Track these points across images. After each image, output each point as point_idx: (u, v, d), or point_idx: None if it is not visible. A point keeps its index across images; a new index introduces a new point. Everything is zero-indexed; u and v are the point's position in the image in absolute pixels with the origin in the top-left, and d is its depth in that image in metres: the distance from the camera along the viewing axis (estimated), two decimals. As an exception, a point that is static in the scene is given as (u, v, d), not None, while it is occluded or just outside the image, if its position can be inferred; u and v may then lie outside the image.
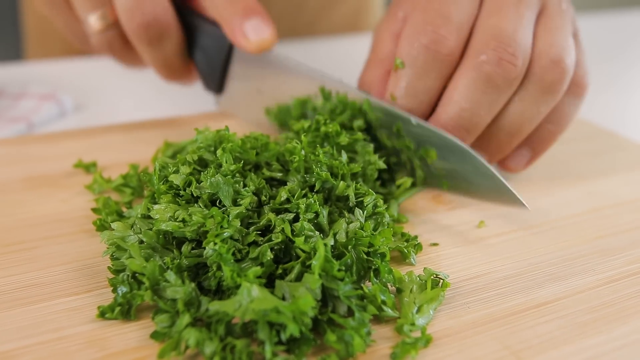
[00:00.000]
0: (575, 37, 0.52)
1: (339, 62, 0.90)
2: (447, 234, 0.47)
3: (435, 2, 0.48)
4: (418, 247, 0.44)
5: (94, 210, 0.47)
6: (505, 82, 0.46)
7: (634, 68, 0.97)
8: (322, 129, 0.45)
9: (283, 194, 0.42)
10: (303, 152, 0.44)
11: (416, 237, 0.45)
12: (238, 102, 0.60)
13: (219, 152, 0.43)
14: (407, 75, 0.48)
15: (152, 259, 0.38)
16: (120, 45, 0.59)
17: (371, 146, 0.47)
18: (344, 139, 0.45)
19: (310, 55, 0.92)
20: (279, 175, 0.45)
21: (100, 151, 0.59)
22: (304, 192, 0.43)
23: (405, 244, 0.44)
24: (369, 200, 0.43)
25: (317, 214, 0.41)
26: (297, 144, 0.44)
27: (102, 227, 0.44)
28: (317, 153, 0.43)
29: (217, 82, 0.59)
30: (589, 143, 0.64)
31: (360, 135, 0.47)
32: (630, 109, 0.81)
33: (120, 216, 0.46)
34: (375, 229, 0.43)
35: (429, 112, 0.50)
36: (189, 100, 0.76)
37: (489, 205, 0.51)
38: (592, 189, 0.55)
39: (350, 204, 0.43)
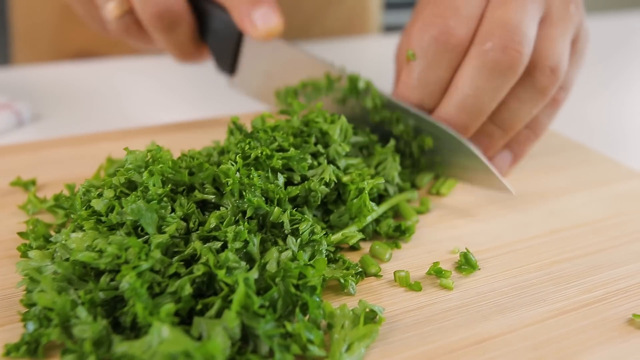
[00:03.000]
0: (574, 45, 0.53)
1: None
2: (395, 259, 0.45)
3: None
4: (359, 275, 0.42)
5: (21, 234, 0.44)
6: (510, 69, 0.47)
7: (626, 69, 0.94)
8: (252, 153, 0.43)
9: (212, 221, 0.39)
10: (238, 174, 0.41)
11: (357, 264, 0.42)
12: (250, 83, 0.62)
13: (145, 174, 0.40)
14: (419, 66, 0.50)
15: (64, 292, 0.36)
16: (136, 30, 0.61)
17: (306, 162, 0.45)
18: (277, 162, 0.43)
19: None
20: (211, 198, 0.42)
21: (44, 167, 0.56)
22: (236, 218, 0.40)
23: (345, 272, 0.41)
24: (304, 227, 0.40)
25: (246, 243, 0.38)
26: (233, 164, 0.42)
27: (26, 253, 0.41)
28: (251, 176, 0.41)
29: (229, 64, 0.61)
30: (556, 157, 0.61)
31: (294, 152, 0.44)
32: (625, 110, 0.78)
33: (47, 241, 0.43)
34: (312, 258, 0.40)
35: (440, 100, 0.51)
36: (155, 108, 0.74)
37: (445, 224, 0.49)
38: (554, 207, 0.52)
39: (286, 231, 0.40)
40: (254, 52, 0.60)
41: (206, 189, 0.43)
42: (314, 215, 0.45)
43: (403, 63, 0.53)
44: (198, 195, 0.42)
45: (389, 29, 1.17)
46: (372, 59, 0.99)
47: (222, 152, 0.46)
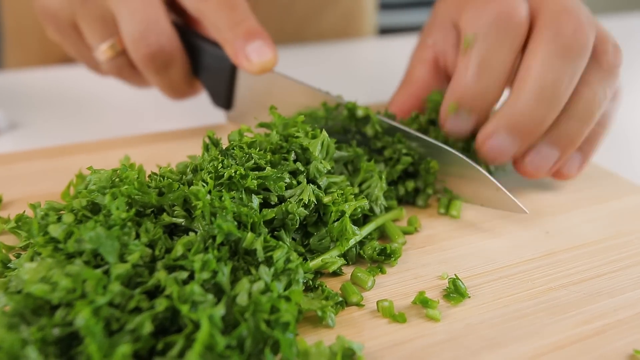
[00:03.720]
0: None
1: (327, 68, 0.88)
2: (379, 286, 0.42)
3: None
4: (339, 305, 0.39)
5: (-21, 258, 0.41)
6: (581, 53, 0.46)
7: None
8: (225, 173, 0.40)
9: (179, 248, 0.36)
10: (209, 196, 0.38)
11: (337, 294, 0.39)
12: (247, 116, 0.61)
13: (107, 197, 0.37)
14: (480, 49, 0.47)
15: (15, 329, 0.33)
16: (129, 71, 0.60)
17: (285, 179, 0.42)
18: (252, 182, 0.40)
19: (299, 62, 0.89)
20: (181, 221, 0.39)
21: (14, 182, 0.53)
22: (207, 244, 0.37)
23: (324, 302, 0.38)
24: (279, 254, 0.37)
25: (215, 273, 0.35)
26: (204, 185, 0.39)
27: (-19, 280, 0.39)
28: (222, 198, 0.38)
29: (224, 99, 0.60)
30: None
31: (270, 170, 0.41)
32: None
33: (6, 267, 0.40)
34: (288, 287, 0.37)
35: (504, 89, 0.49)
36: (144, 116, 0.71)
37: (434, 246, 0.46)
38: (550, 226, 0.49)
39: (259, 259, 0.37)
40: (249, 86, 0.59)
41: (175, 212, 0.40)
42: (293, 239, 0.42)
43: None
44: (166, 218, 0.39)
45: (384, 30, 1.15)
46: (368, 61, 0.96)
47: (196, 169, 0.43)
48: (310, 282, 0.40)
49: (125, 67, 0.60)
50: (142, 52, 0.55)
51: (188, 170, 0.44)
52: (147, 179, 0.44)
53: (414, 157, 0.51)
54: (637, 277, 0.43)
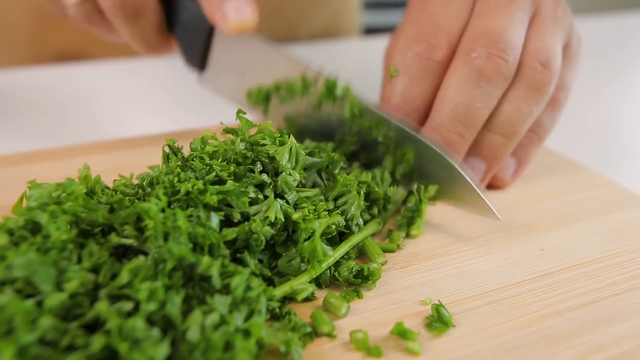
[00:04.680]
0: (567, 49, 0.52)
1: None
2: (354, 312, 0.37)
3: (427, 13, 0.50)
4: (308, 337, 0.35)
5: None
6: (497, 75, 0.47)
7: (625, 71, 0.88)
8: (182, 188, 0.35)
9: (125, 274, 0.32)
10: (162, 215, 0.34)
11: (305, 324, 0.35)
12: (220, 81, 0.57)
13: (44, 216, 0.33)
14: (402, 82, 0.49)
15: None
16: (98, 19, 0.57)
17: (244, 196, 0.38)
18: (211, 198, 0.35)
19: None
20: (131, 242, 0.35)
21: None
22: (158, 269, 0.33)
23: (290, 334, 0.34)
24: (238, 281, 0.33)
25: (164, 303, 0.31)
26: (156, 202, 0.35)
27: None
28: (176, 217, 0.34)
29: (198, 59, 0.57)
30: (549, 179, 0.54)
31: (232, 184, 0.36)
32: (623, 114, 0.71)
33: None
34: (249, 317, 0.33)
35: (424, 117, 0.50)
36: (135, 118, 0.67)
37: (417, 266, 0.42)
38: (545, 242, 0.45)
39: (216, 287, 0.33)
40: (225, 47, 0.55)
41: (125, 231, 0.36)
42: (260, 260, 0.38)
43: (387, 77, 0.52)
44: (114, 239, 0.35)
45: (369, 30, 1.12)
46: (354, 61, 0.93)
47: (152, 183, 0.39)
48: (277, 309, 0.36)
49: (94, 13, 0.56)
50: None
51: (145, 183, 0.40)
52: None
53: (388, 146, 0.49)
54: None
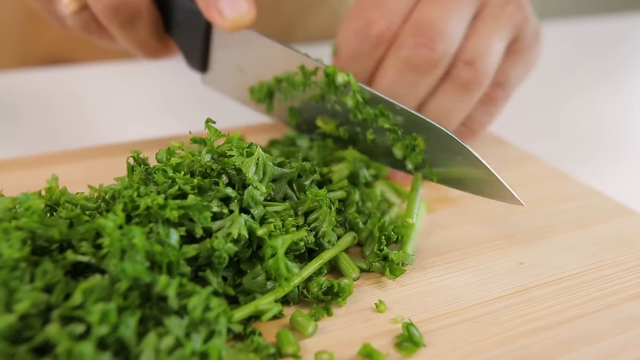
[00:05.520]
0: (516, 44, 0.51)
1: None
2: (322, 331, 0.36)
3: None
4: (271, 358, 0.33)
5: None
6: (424, 64, 0.47)
7: (616, 73, 0.86)
8: (142, 203, 0.34)
9: (78, 295, 0.31)
10: (119, 231, 0.33)
11: (269, 346, 0.34)
12: (223, 80, 0.56)
13: (-6, 235, 0.32)
14: (342, 58, 0.49)
15: None
16: (96, 27, 0.56)
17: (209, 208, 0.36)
18: (171, 213, 0.34)
19: None
20: (87, 259, 0.34)
21: None
22: (114, 289, 0.32)
23: (252, 356, 0.32)
24: (195, 302, 0.31)
25: (117, 326, 0.30)
26: (112, 219, 0.33)
27: None
28: (131, 235, 0.32)
29: (199, 60, 0.55)
30: (531, 188, 0.53)
31: (193, 199, 0.35)
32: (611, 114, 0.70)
33: None
34: (209, 339, 0.32)
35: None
36: (126, 122, 0.66)
37: (391, 280, 0.40)
38: (524, 256, 0.44)
39: (173, 308, 0.32)
40: (225, 46, 0.53)
41: (82, 248, 0.34)
42: (224, 278, 0.37)
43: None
44: (70, 256, 0.34)
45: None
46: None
47: (115, 197, 0.38)
48: (241, 330, 0.35)
49: (91, 22, 0.55)
50: (103, 4, 0.51)
51: (107, 196, 0.39)
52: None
53: (397, 135, 0.47)
54: (620, 319, 0.38)
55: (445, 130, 0.45)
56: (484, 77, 0.49)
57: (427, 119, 0.45)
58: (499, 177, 0.44)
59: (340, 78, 0.47)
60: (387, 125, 0.47)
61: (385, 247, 0.41)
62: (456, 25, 0.48)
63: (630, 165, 0.65)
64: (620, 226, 0.48)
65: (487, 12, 0.49)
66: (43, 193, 0.40)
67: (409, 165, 0.47)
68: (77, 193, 0.39)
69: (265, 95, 0.52)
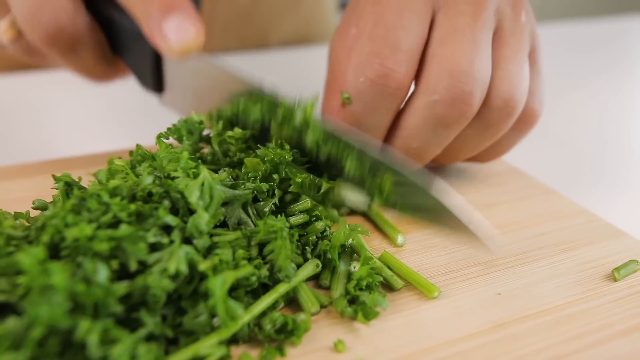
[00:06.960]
0: (533, 54, 0.48)
1: (290, 74, 0.83)
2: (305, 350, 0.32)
3: (382, 26, 0.45)
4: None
5: None
6: (458, 122, 0.44)
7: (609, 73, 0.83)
8: (68, 234, 0.30)
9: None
10: (39, 267, 0.29)
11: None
12: (179, 102, 0.52)
13: None
14: (356, 111, 0.46)
15: None
16: (39, 51, 0.53)
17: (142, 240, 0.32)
18: (101, 245, 0.30)
19: (261, 67, 0.84)
20: (3, 298, 0.30)
21: None
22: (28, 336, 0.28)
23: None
24: (120, 351, 0.28)
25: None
26: (31, 254, 0.29)
27: None
28: (49, 272, 0.29)
29: (152, 82, 0.52)
30: (517, 208, 0.49)
31: (127, 229, 0.31)
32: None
33: None
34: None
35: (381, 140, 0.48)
36: (86, 134, 0.62)
37: (355, 321, 0.36)
38: (504, 286, 0.40)
39: (94, 357, 0.28)
40: (176, 68, 0.50)
41: (1, 285, 0.31)
42: (163, 316, 0.33)
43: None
44: (-17, 296, 0.30)
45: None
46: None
47: (45, 225, 0.34)
48: (179, 376, 0.31)
49: (33, 49, 0.52)
50: (37, 33, 0.47)
51: (39, 224, 0.35)
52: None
53: (362, 175, 0.42)
54: (608, 358, 0.34)
55: (412, 176, 0.39)
56: (519, 109, 0.46)
57: (393, 164, 0.40)
58: (471, 227, 0.38)
59: (299, 114, 0.43)
60: (350, 170, 0.42)
61: (358, 291, 0.37)
62: (485, 62, 0.44)
63: (625, 180, 0.61)
64: (609, 250, 0.44)
65: (505, 28, 0.46)
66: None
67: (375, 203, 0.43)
68: (14, 212, 0.36)
69: (223, 126, 0.48)
